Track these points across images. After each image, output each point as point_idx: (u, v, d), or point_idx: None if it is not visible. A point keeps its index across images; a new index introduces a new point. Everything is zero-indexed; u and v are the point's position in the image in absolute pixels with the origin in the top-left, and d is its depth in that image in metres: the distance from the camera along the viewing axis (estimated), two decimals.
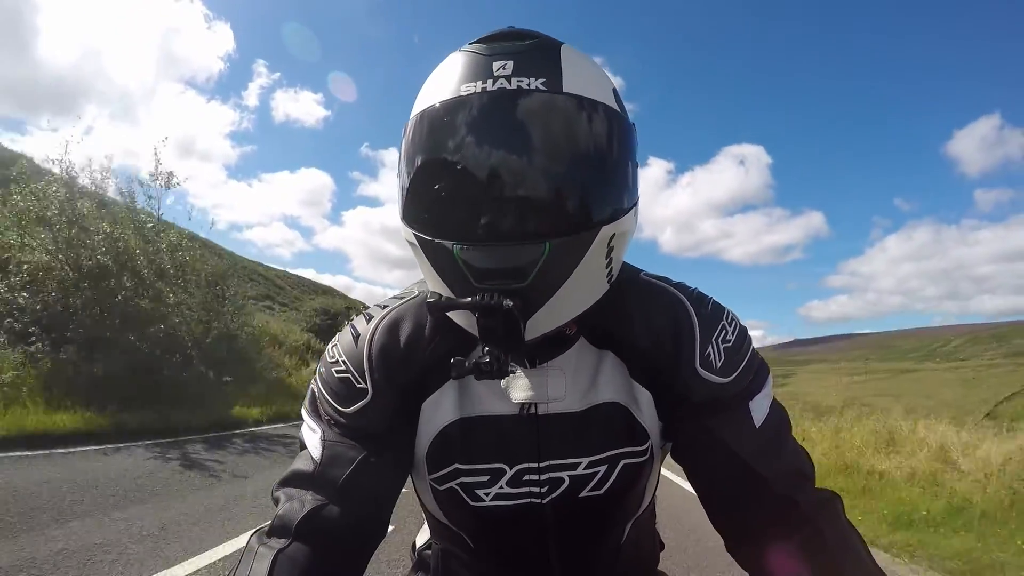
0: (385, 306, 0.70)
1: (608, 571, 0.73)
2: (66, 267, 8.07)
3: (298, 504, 0.61)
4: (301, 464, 0.65)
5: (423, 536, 0.86)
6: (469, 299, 0.53)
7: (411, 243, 0.60)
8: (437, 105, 0.56)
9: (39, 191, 8.03)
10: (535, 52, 0.56)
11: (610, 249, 0.58)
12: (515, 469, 0.65)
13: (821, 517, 0.58)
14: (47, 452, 5.31)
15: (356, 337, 0.67)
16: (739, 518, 0.62)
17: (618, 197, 0.57)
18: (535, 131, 0.54)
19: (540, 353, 0.65)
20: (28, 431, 5.74)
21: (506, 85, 0.53)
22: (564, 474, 0.65)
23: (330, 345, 0.69)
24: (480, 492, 0.66)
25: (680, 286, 0.68)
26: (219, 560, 3.07)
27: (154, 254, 9.52)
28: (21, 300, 7.61)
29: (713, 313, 0.65)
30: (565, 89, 0.54)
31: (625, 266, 0.69)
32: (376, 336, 0.66)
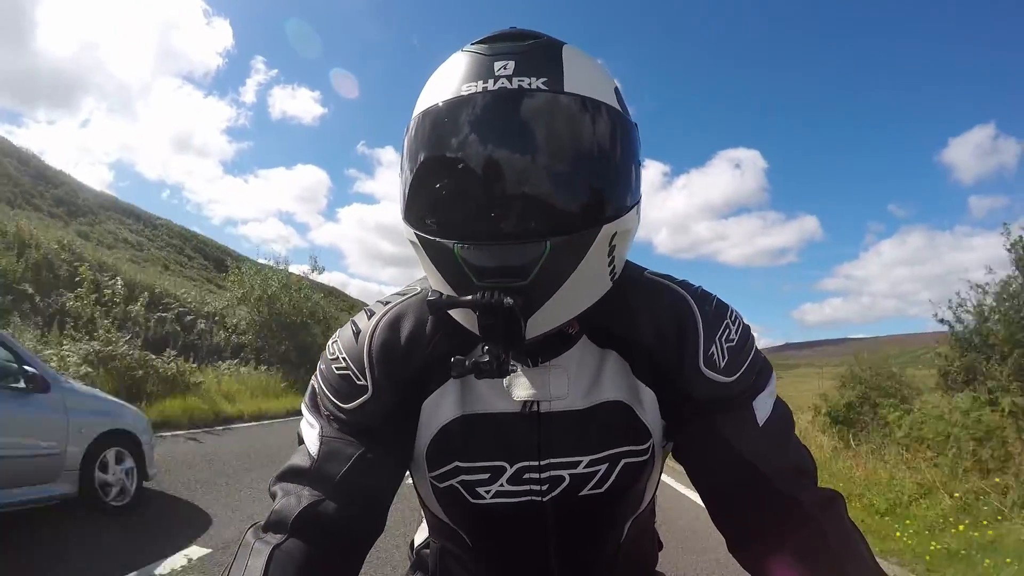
0: (387, 302, 0.69)
1: (607, 570, 0.73)
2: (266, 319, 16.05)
3: (295, 499, 0.61)
4: (298, 460, 0.65)
5: (421, 535, 0.85)
6: (470, 297, 0.53)
7: (412, 242, 0.60)
8: (439, 104, 0.55)
9: (257, 278, 16.33)
10: (536, 52, 0.56)
11: (612, 248, 0.58)
12: (516, 467, 0.65)
13: (824, 517, 0.57)
14: (270, 422, 10.02)
15: (357, 333, 0.67)
16: (741, 517, 0.61)
17: (620, 196, 0.57)
18: (536, 130, 0.54)
19: (542, 352, 0.64)
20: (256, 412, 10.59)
21: (507, 84, 0.53)
22: (565, 472, 0.65)
23: (331, 341, 0.69)
24: (480, 490, 0.65)
25: (684, 284, 0.68)
26: None
27: (304, 302, 17.17)
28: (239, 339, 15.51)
29: (717, 312, 0.65)
30: (566, 89, 0.54)
31: (628, 264, 0.68)
32: (377, 333, 0.66)
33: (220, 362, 13.39)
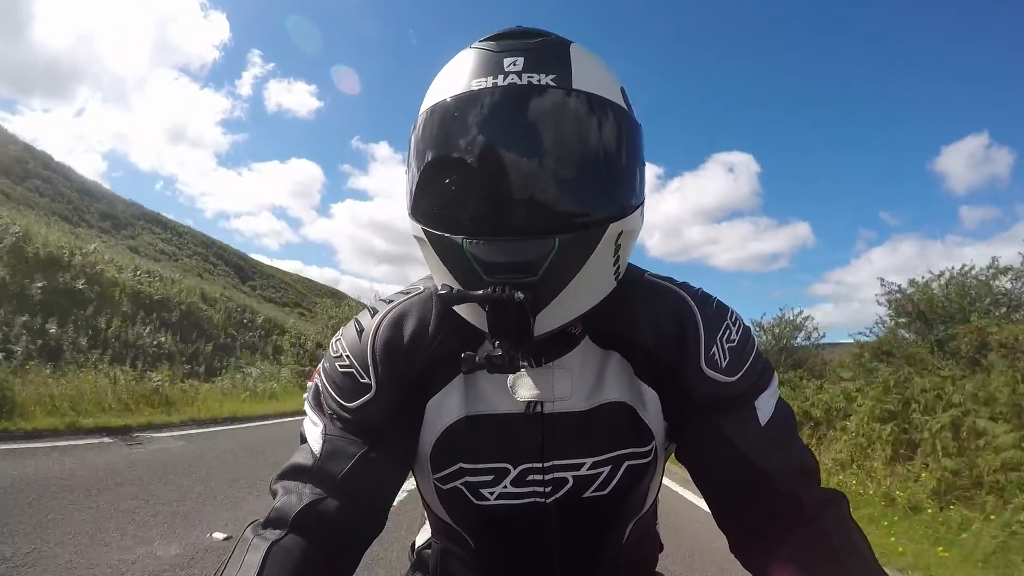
0: (390, 301, 0.69)
1: (609, 571, 0.72)
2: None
3: (296, 497, 0.60)
4: (301, 458, 0.64)
5: (423, 536, 0.84)
6: (481, 292, 0.52)
7: (419, 238, 0.59)
8: (448, 100, 0.55)
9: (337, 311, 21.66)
10: (545, 49, 0.56)
11: (618, 247, 0.58)
12: (519, 469, 0.64)
13: (826, 516, 0.57)
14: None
15: (360, 332, 0.66)
16: (744, 517, 0.61)
17: (626, 195, 0.57)
18: (545, 126, 0.54)
19: (546, 352, 0.64)
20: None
21: (516, 80, 0.53)
22: (568, 474, 0.64)
23: (334, 339, 0.68)
24: (484, 491, 0.65)
25: (684, 286, 0.68)
26: None
27: None
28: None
29: (717, 313, 0.65)
30: (575, 86, 0.54)
31: (629, 267, 0.68)
32: (380, 331, 0.65)
33: None
